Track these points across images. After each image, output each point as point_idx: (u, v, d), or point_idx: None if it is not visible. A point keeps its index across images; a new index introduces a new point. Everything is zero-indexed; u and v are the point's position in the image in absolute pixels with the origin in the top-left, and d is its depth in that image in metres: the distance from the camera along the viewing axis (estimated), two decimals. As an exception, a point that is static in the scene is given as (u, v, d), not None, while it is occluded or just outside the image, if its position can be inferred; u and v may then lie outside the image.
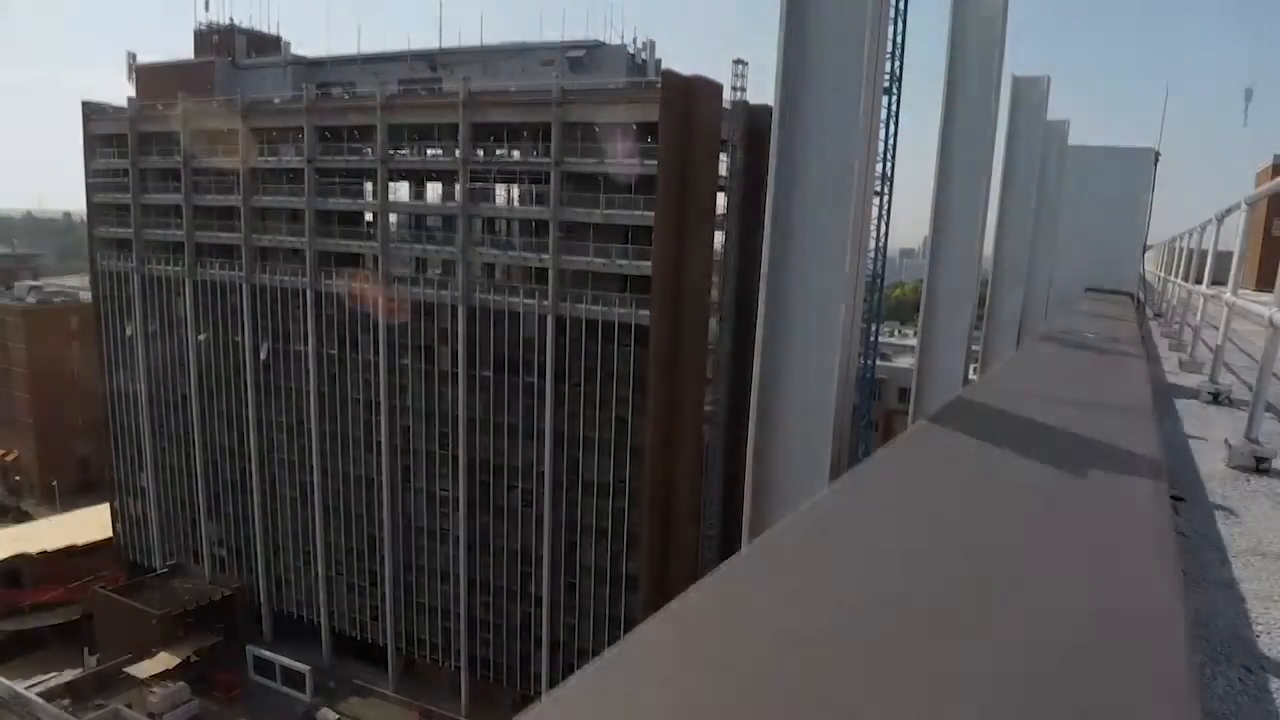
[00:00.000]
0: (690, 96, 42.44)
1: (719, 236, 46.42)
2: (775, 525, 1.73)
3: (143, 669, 46.71)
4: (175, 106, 52.23)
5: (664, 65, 47.24)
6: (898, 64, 44.80)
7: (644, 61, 49.23)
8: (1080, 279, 14.09)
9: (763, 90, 50.60)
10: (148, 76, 57.23)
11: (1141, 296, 15.63)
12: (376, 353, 47.68)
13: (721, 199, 46.06)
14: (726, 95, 46.02)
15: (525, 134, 44.89)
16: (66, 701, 45.15)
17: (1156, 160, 14.00)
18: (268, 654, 50.92)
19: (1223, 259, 9.04)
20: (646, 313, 41.48)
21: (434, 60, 52.24)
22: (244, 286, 51.58)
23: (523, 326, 44.26)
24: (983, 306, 12.31)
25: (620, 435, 42.49)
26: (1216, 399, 6.64)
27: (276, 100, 51.26)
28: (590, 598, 44.00)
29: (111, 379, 59.09)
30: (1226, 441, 4.76)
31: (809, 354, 5.73)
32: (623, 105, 42.49)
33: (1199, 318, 9.82)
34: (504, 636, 46.66)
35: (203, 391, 54.52)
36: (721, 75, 46.87)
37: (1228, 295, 6.56)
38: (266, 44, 60.43)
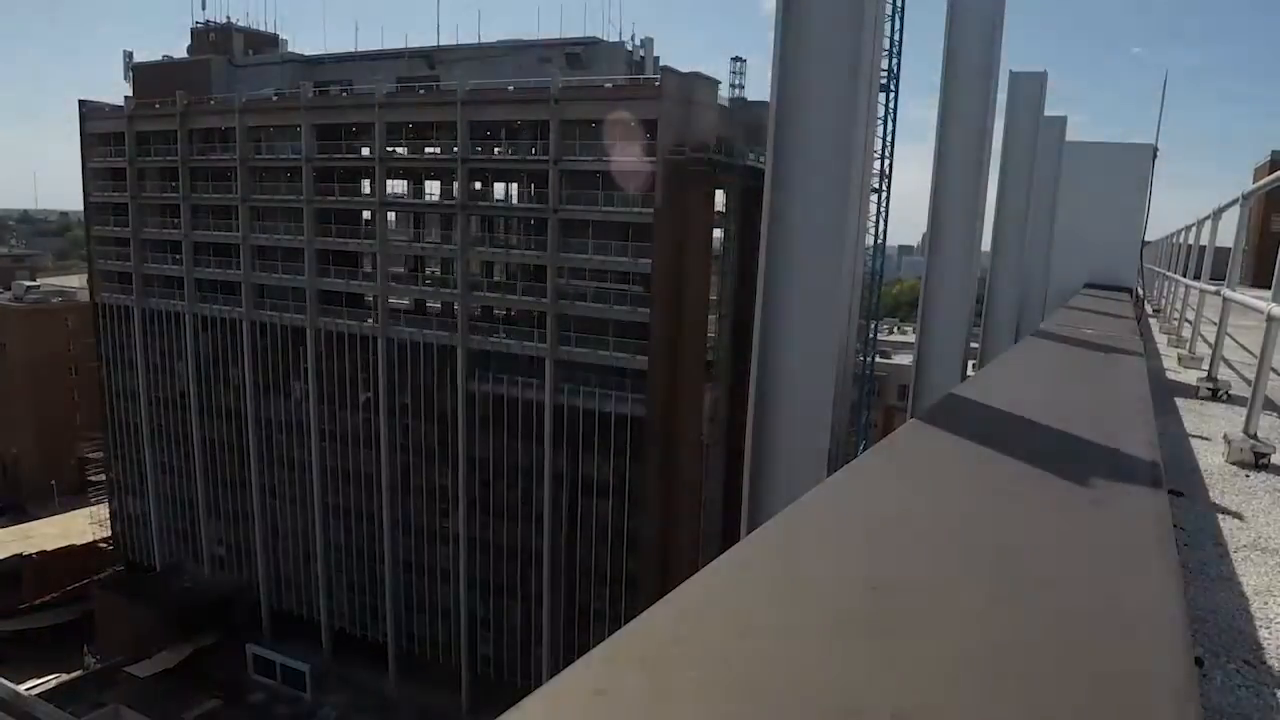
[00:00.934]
0: (688, 93, 42.39)
1: (718, 234, 46.44)
2: (767, 522, 1.72)
3: (143, 669, 46.71)
4: (172, 105, 52.16)
5: (662, 63, 47.23)
6: (895, 61, 44.76)
7: (642, 59, 49.15)
8: (1079, 275, 14.09)
9: (762, 90, 50.58)
10: (145, 75, 57.11)
11: (1140, 292, 15.63)
12: (376, 352, 47.65)
13: (720, 197, 46.06)
14: (725, 92, 46.03)
15: (523, 131, 44.85)
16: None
17: (1155, 156, 13.99)
18: (268, 653, 50.92)
19: (1220, 255, 9.05)
20: (646, 310, 41.47)
21: (432, 57, 52.15)
22: (244, 285, 51.49)
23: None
24: (981, 303, 12.31)
25: (620, 434, 42.45)
26: (1215, 394, 6.64)
27: (274, 96, 51.13)
28: (590, 597, 43.99)
29: (110, 378, 59.05)
30: (1225, 437, 4.75)
31: (806, 351, 5.72)
32: (621, 102, 42.39)
33: (1197, 314, 9.83)
34: (504, 635, 46.66)
35: (201, 391, 54.44)
36: (721, 75, 46.95)
37: (1226, 291, 6.57)
38: (264, 42, 60.31)
